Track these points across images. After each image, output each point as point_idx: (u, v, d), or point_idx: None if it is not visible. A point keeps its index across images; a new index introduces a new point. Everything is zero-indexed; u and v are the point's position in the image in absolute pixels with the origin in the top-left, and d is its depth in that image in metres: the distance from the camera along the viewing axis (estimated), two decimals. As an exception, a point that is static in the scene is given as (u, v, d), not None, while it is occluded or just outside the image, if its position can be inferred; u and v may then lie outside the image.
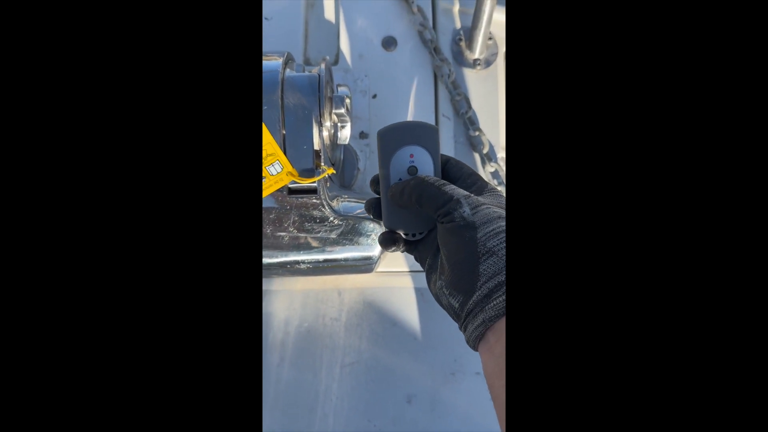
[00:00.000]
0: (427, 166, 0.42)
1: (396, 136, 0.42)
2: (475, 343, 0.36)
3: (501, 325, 0.34)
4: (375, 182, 0.45)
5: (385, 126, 0.43)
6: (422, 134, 0.42)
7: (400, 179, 0.42)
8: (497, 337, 0.34)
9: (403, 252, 0.45)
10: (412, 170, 0.42)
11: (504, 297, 0.34)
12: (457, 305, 0.37)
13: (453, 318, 0.38)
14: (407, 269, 0.67)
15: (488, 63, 0.72)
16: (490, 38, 0.72)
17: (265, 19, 0.73)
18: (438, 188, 0.38)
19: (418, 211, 0.41)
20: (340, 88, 0.56)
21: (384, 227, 0.44)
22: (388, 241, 0.44)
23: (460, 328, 0.38)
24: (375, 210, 0.44)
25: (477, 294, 0.35)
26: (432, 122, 0.70)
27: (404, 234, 0.43)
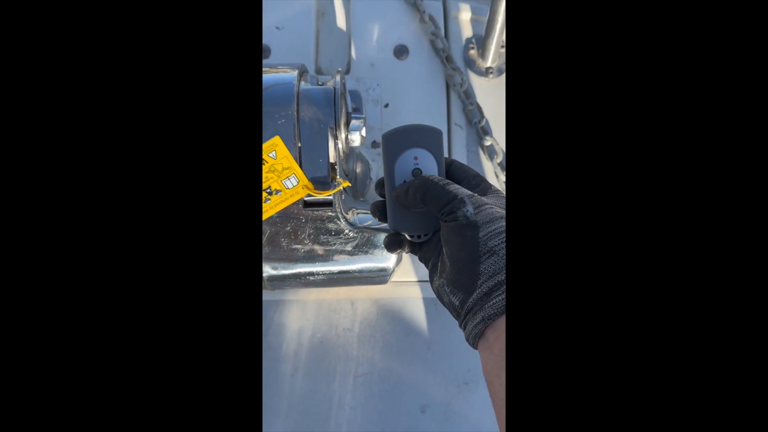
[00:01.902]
0: (431, 169, 0.42)
1: (400, 139, 0.42)
2: (474, 341, 0.37)
3: (500, 324, 0.34)
4: (380, 185, 0.45)
5: (390, 129, 0.43)
6: (426, 137, 0.42)
7: (405, 182, 0.42)
8: (496, 335, 0.34)
9: (407, 253, 0.45)
10: (417, 172, 0.42)
11: (503, 296, 0.34)
12: (457, 303, 0.37)
13: (453, 315, 0.39)
14: (420, 279, 0.67)
15: (501, 71, 0.72)
16: (502, 46, 0.72)
17: (276, 28, 0.73)
18: (442, 187, 0.39)
19: (422, 213, 0.42)
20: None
21: (389, 229, 0.44)
22: (393, 244, 0.44)
23: (460, 326, 0.38)
24: (380, 212, 0.44)
25: (477, 292, 0.35)
26: (444, 131, 0.70)
27: (409, 236, 0.43)
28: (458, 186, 0.39)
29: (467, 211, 0.37)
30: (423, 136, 0.42)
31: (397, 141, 0.42)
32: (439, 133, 0.43)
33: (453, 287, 0.37)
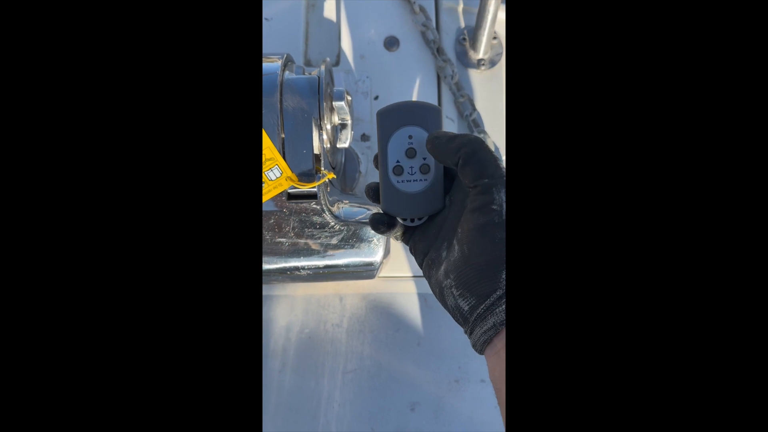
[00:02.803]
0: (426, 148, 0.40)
1: (395, 117, 0.40)
2: (482, 347, 0.34)
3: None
4: (371, 189, 0.43)
5: (386, 105, 0.41)
6: (423, 115, 0.40)
7: (398, 162, 0.40)
8: (504, 341, 0.33)
9: (398, 239, 0.43)
10: (411, 152, 0.40)
11: None
12: (466, 308, 0.34)
13: (458, 320, 0.36)
14: (410, 274, 0.66)
15: (493, 63, 0.71)
16: (494, 38, 0.71)
17: (266, 19, 0.72)
18: (495, 158, 0.35)
19: (418, 195, 0.40)
20: (336, 89, 0.55)
21: (381, 211, 0.42)
22: (378, 222, 0.41)
23: (466, 332, 0.36)
24: (374, 193, 0.42)
25: (491, 298, 0.33)
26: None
27: (402, 219, 0.41)
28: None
29: (505, 200, 0.34)
30: (419, 114, 0.40)
31: (391, 118, 0.40)
32: (437, 110, 0.40)
33: (464, 290, 0.34)
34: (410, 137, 0.40)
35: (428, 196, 0.40)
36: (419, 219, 0.41)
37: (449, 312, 0.37)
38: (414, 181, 0.40)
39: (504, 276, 0.32)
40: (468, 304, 0.34)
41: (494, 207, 0.33)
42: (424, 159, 0.40)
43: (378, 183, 0.42)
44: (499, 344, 0.33)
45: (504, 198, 0.33)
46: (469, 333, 0.35)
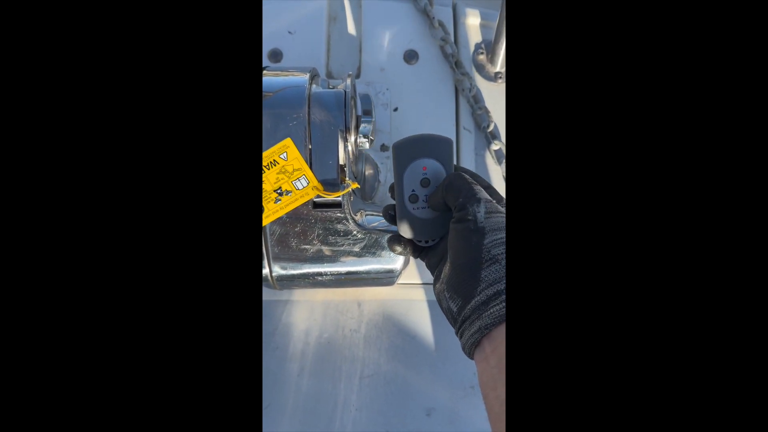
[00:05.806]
0: (440, 178, 0.43)
1: (410, 149, 0.43)
2: (470, 350, 0.36)
3: (497, 334, 0.34)
4: (387, 213, 0.47)
5: (401, 139, 0.44)
6: (436, 147, 0.43)
7: (413, 191, 0.43)
8: (493, 346, 0.34)
9: (416, 258, 0.46)
10: (425, 182, 0.43)
11: (501, 305, 0.34)
12: (455, 309, 0.37)
13: (450, 322, 0.39)
14: (427, 282, 0.67)
15: (509, 77, 0.73)
16: (511, 52, 0.72)
17: (289, 32, 0.74)
18: (467, 182, 0.40)
19: (430, 221, 0.43)
20: (362, 95, 0.57)
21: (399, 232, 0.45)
22: (395, 243, 0.45)
23: (457, 334, 0.38)
24: (391, 217, 0.46)
25: (475, 300, 0.35)
26: (453, 135, 0.71)
27: (416, 240, 0.45)
28: (483, 190, 0.40)
29: (478, 212, 0.37)
30: (432, 146, 0.43)
31: (406, 151, 0.43)
32: (449, 142, 0.43)
33: (453, 292, 0.37)
34: (424, 168, 0.43)
35: (439, 221, 0.43)
36: (432, 240, 0.44)
37: (445, 316, 0.39)
38: (427, 208, 0.44)
39: (483, 274, 0.35)
40: (456, 305, 0.37)
41: (469, 217, 0.38)
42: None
43: (394, 206, 0.46)
44: (488, 349, 0.34)
45: (477, 210, 0.38)
46: (460, 336, 0.37)
